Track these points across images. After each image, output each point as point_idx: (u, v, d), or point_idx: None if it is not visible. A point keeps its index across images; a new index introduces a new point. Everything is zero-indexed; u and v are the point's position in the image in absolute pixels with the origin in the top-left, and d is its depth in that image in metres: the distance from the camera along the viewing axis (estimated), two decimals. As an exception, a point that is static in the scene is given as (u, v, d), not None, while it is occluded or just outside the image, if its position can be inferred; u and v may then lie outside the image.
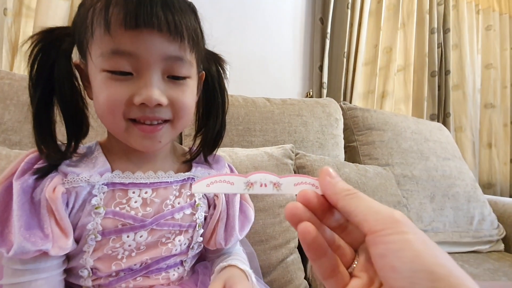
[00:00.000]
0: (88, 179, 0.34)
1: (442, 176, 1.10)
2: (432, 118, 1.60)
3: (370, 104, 1.48)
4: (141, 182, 0.37)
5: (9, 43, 1.04)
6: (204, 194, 0.43)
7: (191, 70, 0.35)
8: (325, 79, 1.40)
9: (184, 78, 0.35)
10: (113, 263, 0.36)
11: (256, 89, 1.18)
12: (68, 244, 0.33)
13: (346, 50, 1.42)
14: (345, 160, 1.04)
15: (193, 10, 0.35)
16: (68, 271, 0.37)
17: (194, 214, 0.41)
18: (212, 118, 0.43)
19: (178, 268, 0.41)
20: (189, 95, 0.36)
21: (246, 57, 1.28)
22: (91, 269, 0.36)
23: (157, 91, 0.32)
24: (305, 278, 0.74)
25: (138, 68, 0.32)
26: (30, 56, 0.33)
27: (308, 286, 0.73)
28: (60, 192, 0.33)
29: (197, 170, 0.42)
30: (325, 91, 1.39)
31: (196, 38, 0.34)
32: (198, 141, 0.44)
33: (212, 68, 0.43)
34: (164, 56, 0.32)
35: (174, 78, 0.34)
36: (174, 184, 0.40)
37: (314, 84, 1.42)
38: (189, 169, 0.42)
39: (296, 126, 0.97)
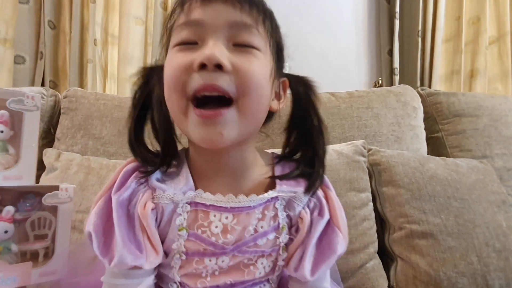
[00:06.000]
0: (172, 197, 0.35)
1: None
2: (542, 95, 1.30)
3: (456, 87, 1.28)
4: (222, 205, 0.36)
5: (101, 69, 1.22)
6: (288, 214, 0.38)
7: (260, 42, 0.33)
8: (396, 64, 1.26)
9: (251, 47, 0.32)
10: (198, 281, 0.36)
11: (318, 84, 1.12)
12: (158, 259, 0.35)
13: (420, 28, 1.25)
14: (428, 153, 0.91)
15: None
16: (160, 278, 0.38)
17: (278, 238, 0.38)
18: (313, 143, 0.38)
19: (264, 285, 0.40)
20: (258, 65, 0.32)
21: (306, 52, 1.23)
22: (179, 283, 0.37)
23: (218, 51, 0.30)
24: (389, 286, 0.67)
25: (203, 35, 0.31)
26: (133, 88, 0.39)
27: (393, 295, 0.66)
28: (150, 208, 0.34)
29: (282, 188, 0.38)
30: (397, 78, 1.25)
31: (263, 9, 0.33)
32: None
33: (299, 90, 0.39)
34: (230, 22, 0.31)
35: (241, 46, 0.32)
36: (257, 208, 0.37)
37: (383, 72, 1.29)
38: (273, 185, 0.38)
39: (367, 120, 0.88)
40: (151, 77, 0.38)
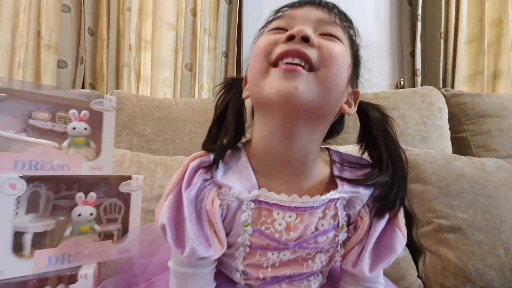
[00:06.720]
0: (238, 196, 0.36)
1: None
2: None
3: (479, 88, 1.29)
4: (285, 205, 0.37)
5: (135, 72, 1.29)
6: (347, 213, 0.39)
7: (344, 38, 0.36)
8: (418, 65, 1.28)
9: (336, 37, 0.35)
10: (260, 271, 0.39)
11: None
12: (222, 251, 0.37)
13: (443, 29, 1.27)
14: (453, 153, 0.94)
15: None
16: (221, 264, 0.42)
17: (337, 236, 0.40)
18: (389, 167, 0.38)
19: (318, 276, 0.43)
20: (341, 49, 0.35)
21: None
22: (242, 271, 0.40)
23: (306, 28, 0.33)
24: (418, 276, 0.71)
25: (294, 25, 0.35)
26: (217, 94, 0.42)
27: (422, 285, 0.69)
28: (217, 205, 0.36)
29: (344, 189, 0.38)
30: (419, 79, 1.28)
31: (345, 18, 0.38)
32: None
33: (374, 114, 0.42)
34: (318, 19, 0.35)
35: (326, 35, 0.35)
36: (320, 207, 0.38)
37: (405, 73, 1.32)
38: (333, 183, 0.39)
39: (392, 120, 0.92)
40: (232, 86, 0.42)
